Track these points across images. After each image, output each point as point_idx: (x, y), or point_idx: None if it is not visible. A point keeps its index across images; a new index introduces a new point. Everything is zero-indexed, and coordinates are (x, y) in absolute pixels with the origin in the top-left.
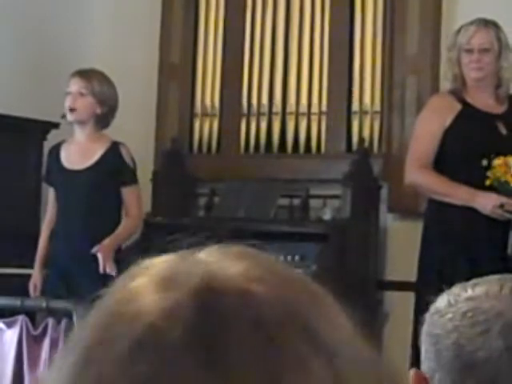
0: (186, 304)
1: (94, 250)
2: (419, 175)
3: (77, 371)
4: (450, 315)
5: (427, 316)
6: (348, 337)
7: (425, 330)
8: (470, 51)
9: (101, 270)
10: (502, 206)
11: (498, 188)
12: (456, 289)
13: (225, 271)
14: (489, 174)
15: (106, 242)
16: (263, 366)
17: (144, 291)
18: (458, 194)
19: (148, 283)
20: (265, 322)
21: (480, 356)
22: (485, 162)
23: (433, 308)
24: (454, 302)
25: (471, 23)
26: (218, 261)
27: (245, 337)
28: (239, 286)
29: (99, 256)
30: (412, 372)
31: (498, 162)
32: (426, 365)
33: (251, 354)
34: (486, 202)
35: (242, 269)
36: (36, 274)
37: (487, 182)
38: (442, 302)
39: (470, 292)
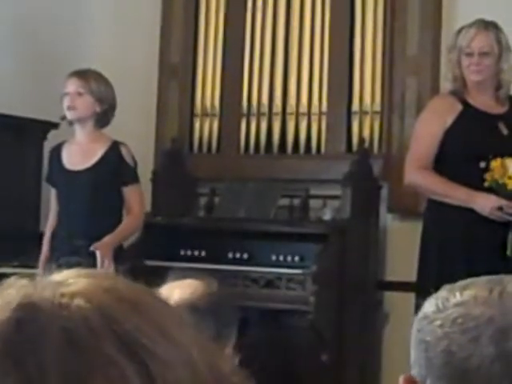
0: (5, 318)
1: (92, 246)
2: (418, 176)
3: None
4: (439, 322)
5: (415, 321)
6: (169, 341)
7: (414, 335)
8: (470, 54)
9: (98, 266)
10: (500, 208)
11: (496, 190)
12: (443, 292)
13: (53, 289)
14: (487, 176)
15: (106, 239)
16: (68, 369)
17: None
18: (457, 195)
19: None
20: (73, 329)
21: (472, 363)
22: (483, 164)
23: (421, 313)
24: (442, 307)
25: (471, 25)
26: (59, 281)
27: (50, 344)
28: (58, 301)
29: (97, 253)
30: (402, 377)
31: (495, 163)
32: (416, 370)
33: (58, 358)
34: (485, 204)
35: (71, 287)
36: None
37: (486, 184)
38: (429, 306)
39: (458, 297)
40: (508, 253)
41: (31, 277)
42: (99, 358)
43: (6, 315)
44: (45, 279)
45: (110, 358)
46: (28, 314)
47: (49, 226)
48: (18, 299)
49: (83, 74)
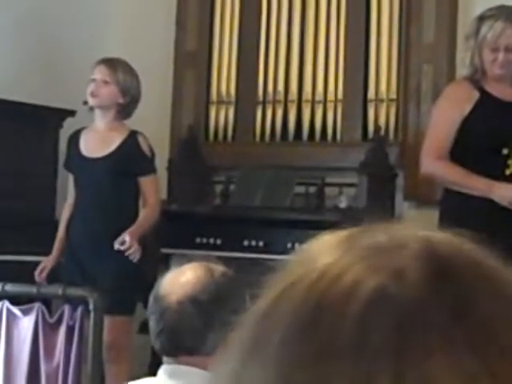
0: (413, 267)
1: (124, 235)
2: (436, 166)
3: (300, 341)
4: None
5: None
6: None
7: None
8: (495, 50)
9: (127, 244)
10: None
11: None
12: None
13: (439, 240)
14: (510, 162)
15: (132, 229)
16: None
17: (347, 263)
18: (476, 186)
19: (347, 255)
20: (503, 294)
21: None
22: (505, 151)
23: None
24: None
25: (497, 17)
26: (419, 232)
27: (499, 308)
28: (464, 255)
29: (127, 238)
30: None
31: None
32: None
33: (508, 329)
34: (505, 194)
35: (454, 240)
36: (49, 259)
37: (508, 171)
38: None
39: None
40: None
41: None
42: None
43: (414, 259)
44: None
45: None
46: (441, 261)
47: (65, 211)
48: (417, 246)
49: (112, 64)
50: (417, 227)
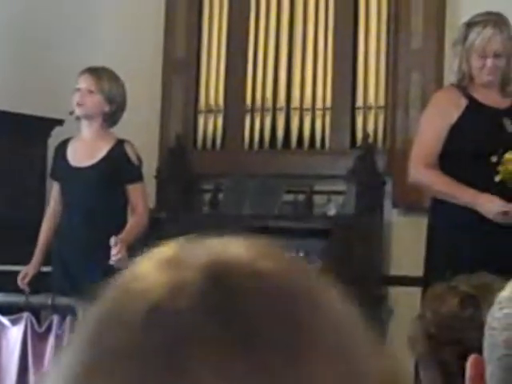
0: (194, 278)
1: (114, 239)
2: (424, 175)
3: (90, 346)
4: (507, 310)
5: (495, 302)
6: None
7: (488, 318)
8: (483, 56)
9: (112, 259)
10: (505, 213)
11: (509, 184)
12: None
13: (231, 250)
14: (500, 168)
15: (121, 236)
16: (276, 335)
17: (149, 272)
18: (462, 196)
19: (153, 265)
20: (279, 294)
21: None
22: (494, 159)
23: (500, 295)
24: None
25: (485, 24)
26: (223, 243)
27: (263, 305)
28: (247, 261)
29: (115, 247)
30: (472, 357)
31: (509, 156)
32: (484, 352)
33: (272, 321)
34: (490, 208)
35: (247, 249)
36: (31, 264)
37: (497, 178)
38: (506, 292)
39: None
40: None
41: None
42: (309, 330)
43: (198, 269)
44: (211, 243)
45: (316, 329)
46: (226, 270)
47: (46, 218)
48: (207, 256)
49: (97, 72)
50: (220, 241)
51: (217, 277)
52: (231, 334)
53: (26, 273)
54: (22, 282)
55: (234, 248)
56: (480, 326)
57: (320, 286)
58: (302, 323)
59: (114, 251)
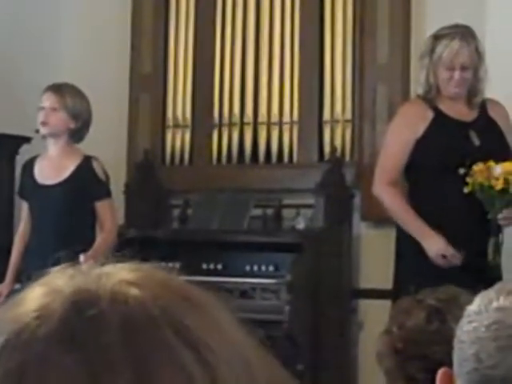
0: (57, 304)
1: (81, 258)
2: (384, 194)
3: None
4: (475, 324)
5: (464, 315)
6: (227, 341)
7: (457, 331)
8: (451, 69)
9: None
10: (444, 256)
11: (478, 195)
12: (492, 292)
13: (104, 278)
14: (468, 180)
15: (88, 254)
16: (130, 354)
17: (30, 298)
18: (412, 227)
19: (37, 291)
20: (132, 316)
21: (497, 373)
22: (462, 171)
23: (468, 309)
24: (483, 309)
25: (452, 37)
26: (105, 271)
27: (111, 329)
28: (114, 289)
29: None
30: (441, 370)
31: (477, 168)
32: (454, 366)
33: (121, 343)
34: (432, 248)
35: (125, 276)
36: (5, 283)
37: (466, 190)
38: (475, 305)
39: (501, 301)
40: (489, 259)
41: (74, 268)
42: (161, 347)
43: (62, 299)
44: (92, 269)
45: (171, 349)
46: (86, 298)
47: (17, 237)
48: (73, 285)
49: (59, 89)
50: (111, 267)
51: (79, 305)
52: (81, 363)
53: (0, 292)
54: None
55: (110, 275)
56: (446, 340)
57: (193, 312)
58: (156, 350)
59: None
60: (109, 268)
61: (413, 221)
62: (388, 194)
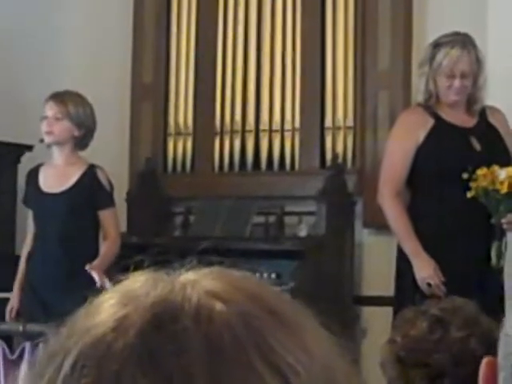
0: (136, 317)
1: (87, 267)
2: (387, 206)
3: (36, 378)
4: None
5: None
6: (314, 361)
7: (505, 324)
8: (451, 76)
9: (98, 284)
10: (429, 284)
11: (481, 199)
12: None
13: (188, 289)
14: (472, 184)
15: (96, 262)
16: (212, 377)
17: (104, 307)
18: (407, 245)
19: (110, 299)
20: (216, 336)
21: None
22: (465, 175)
23: None
24: None
25: (452, 45)
26: (188, 280)
27: (194, 348)
28: (198, 303)
29: (94, 273)
30: (485, 360)
31: (481, 172)
32: (498, 358)
33: (202, 364)
34: (421, 270)
35: (208, 287)
36: (14, 298)
37: (469, 194)
38: None
39: None
40: (493, 263)
41: (156, 275)
42: (246, 372)
43: (141, 310)
44: (175, 276)
45: (256, 373)
46: (168, 311)
47: (25, 248)
48: (155, 295)
49: (62, 98)
50: (196, 274)
51: (160, 319)
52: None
53: (11, 308)
54: (10, 316)
55: (193, 286)
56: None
57: (281, 330)
58: (237, 371)
59: (96, 278)
60: (193, 275)
61: (409, 239)
62: (390, 207)
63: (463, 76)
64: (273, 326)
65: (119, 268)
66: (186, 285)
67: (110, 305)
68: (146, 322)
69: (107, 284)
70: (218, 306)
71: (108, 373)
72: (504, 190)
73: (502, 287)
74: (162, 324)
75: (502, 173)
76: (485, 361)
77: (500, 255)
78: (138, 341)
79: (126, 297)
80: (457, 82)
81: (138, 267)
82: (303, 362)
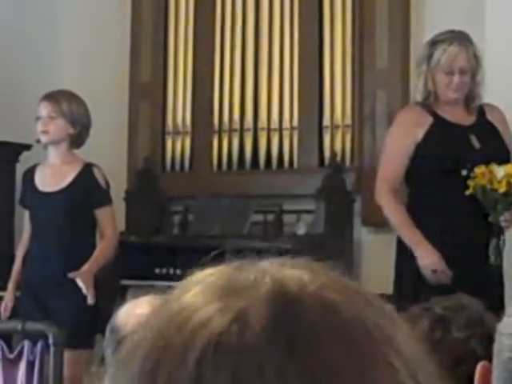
0: (257, 307)
1: (70, 275)
2: (385, 202)
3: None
4: None
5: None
6: (416, 353)
7: (499, 325)
8: (450, 73)
9: (88, 298)
10: (434, 271)
11: (479, 197)
12: None
13: (293, 279)
14: (470, 183)
15: (86, 267)
16: (351, 370)
17: (204, 299)
18: (409, 237)
19: (205, 292)
20: (348, 327)
21: None
22: (464, 172)
23: (509, 306)
24: None
25: (450, 42)
26: (280, 270)
27: (331, 340)
28: (314, 292)
29: (80, 283)
30: (481, 364)
31: (479, 170)
32: (493, 358)
33: (340, 359)
34: (425, 258)
35: (308, 277)
36: (8, 295)
37: (468, 192)
38: None
39: None
40: (491, 260)
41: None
42: (384, 365)
43: (261, 301)
44: (284, 267)
45: (392, 368)
46: (290, 302)
47: (21, 247)
48: (267, 286)
49: (55, 97)
50: (279, 264)
51: (282, 309)
52: (295, 365)
53: (5, 305)
54: (4, 314)
55: (294, 275)
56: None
57: (388, 319)
58: (375, 362)
59: (83, 290)
60: (281, 266)
61: (409, 230)
62: (388, 202)
63: (462, 72)
64: (389, 323)
65: (117, 268)
66: (301, 277)
67: (212, 297)
68: (270, 312)
69: (91, 297)
70: (337, 297)
71: (248, 365)
72: (502, 189)
73: (501, 284)
74: (290, 316)
75: (500, 171)
76: (480, 364)
77: (498, 253)
78: (269, 331)
79: (230, 289)
80: (456, 79)
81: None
82: (414, 354)
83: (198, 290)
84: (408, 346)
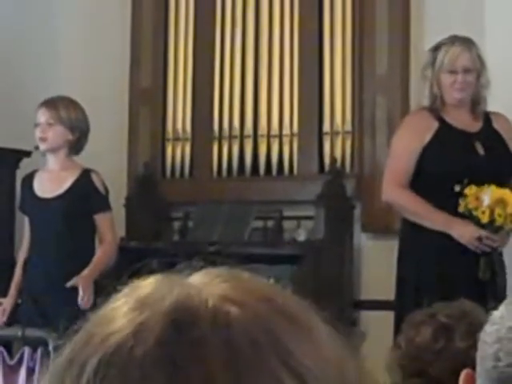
0: (155, 322)
1: (70, 283)
2: (397, 194)
3: None
4: (497, 326)
5: (489, 320)
6: (328, 361)
7: (482, 333)
8: (453, 72)
9: (79, 301)
10: (480, 238)
11: (469, 218)
12: None
13: (202, 293)
14: (461, 201)
15: (85, 273)
16: (228, 378)
17: (119, 313)
18: (437, 219)
19: (124, 305)
20: (236, 341)
21: None
22: (457, 188)
23: (493, 314)
24: (506, 314)
25: (453, 43)
26: (200, 283)
27: (214, 354)
28: (213, 307)
29: (80, 288)
30: (465, 371)
31: (470, 191)
32: (477, 366)
33: (224, 371)
34: (463, 233)
35: (221, 290)
36: (7, 300)
37: (460, 209)
38: (499, 311)
39: None
40: (480, 275)
41: (169, 278)
42: (266, 376)
43: (160, 316)
44: (188, 280)
45: (275, 377)
46: (186, 317)
47: (21, 253)
48: (171, 301)
49: (53, 103)
50: (208, 276)
51: (177, 324)
52: None
53: (4, 308)
54: (1, 318)
55: (204, 289)
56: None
57: (298, 328)
58: (259, 377)
59: (80, 294)
60: (203, 278)
61: (434, 212)
62: (400, 194)
63: (465, 71)
64: (288, 328)
65: (126, 273)
66: (201, 289)
67: (126, 310)
68: (164, 328)
69: (90, 299)
70: (234, 310)
71: (132, 379)
72: (485, 219)
73: (495, 299)
74: (181, 330)
75: (486, 198)
76: (464, 372)
77: (487, 268)
78: (158, 347)
79: (141, 302)
80: (460, 77)
81: (145, 271)
82: (319, 365)
83: (121, 302)
84: (317, 356)
